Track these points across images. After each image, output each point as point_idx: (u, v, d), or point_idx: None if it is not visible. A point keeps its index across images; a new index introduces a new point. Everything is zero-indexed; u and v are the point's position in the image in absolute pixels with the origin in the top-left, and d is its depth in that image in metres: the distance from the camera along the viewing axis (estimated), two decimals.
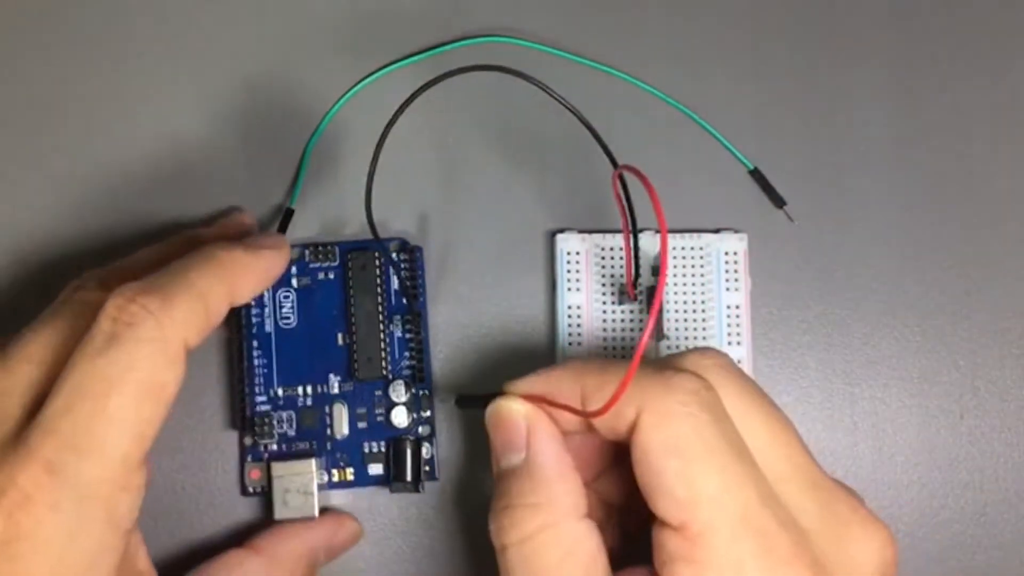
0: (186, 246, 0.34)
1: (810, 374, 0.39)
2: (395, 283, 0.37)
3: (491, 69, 0.32)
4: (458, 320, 0.39)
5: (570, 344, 0.38)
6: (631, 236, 0.35)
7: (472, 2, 0.40)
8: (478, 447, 0.38)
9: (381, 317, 0.37)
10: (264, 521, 0.37)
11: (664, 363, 0.30)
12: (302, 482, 0.36)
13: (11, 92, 0.39)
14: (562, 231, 0.38)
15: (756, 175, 0.40)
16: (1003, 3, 0.41)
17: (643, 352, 0.27)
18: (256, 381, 0.37)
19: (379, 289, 0.37)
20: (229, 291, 0.32)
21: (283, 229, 0.38)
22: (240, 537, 0.37)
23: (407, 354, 0.37)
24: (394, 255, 0.37)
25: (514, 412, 0.31)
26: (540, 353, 0.39)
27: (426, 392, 0.37)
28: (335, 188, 0.39)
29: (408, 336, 0.37)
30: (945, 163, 0.40)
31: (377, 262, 0.37)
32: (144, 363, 0.29)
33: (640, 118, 0.40)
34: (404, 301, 0.37)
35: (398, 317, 0.37)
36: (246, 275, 0.32)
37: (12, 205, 0.38)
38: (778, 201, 0.39)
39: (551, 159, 0.39)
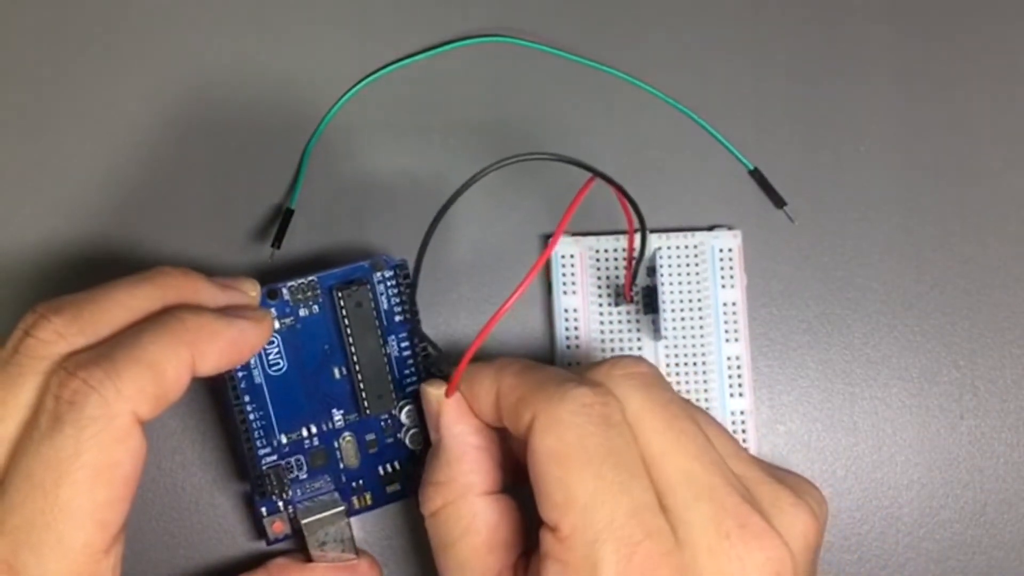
0: (161, 285, 0.31)
1: (810, 374, 0.39)
2: (385, 304, 0.36)
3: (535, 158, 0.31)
4: (455, 329, 0.39)
5: (568, 347, 0.38)
6: (634, 238, 0.35)
7: (472, 2, 0.40)
8: None
9: (384, 351, 0.36)
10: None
11: (574, 372, 0.31)
12: (336, 529, 0.35)
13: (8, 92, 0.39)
14: None
15: (756, 175, 0.40)
16: (1004, 2, 0.41)
17: (478, 349, 0.31)
18: (256, 435, 0.35)
19: (376, 322, 0.35)
20: (189, 359, 0.29)
21: (283, 230, 0.37)
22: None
23: (407, 372, 0.36)
24: (379, 274, 0.36)
25: (431, 395, 0.33)
26: (539, 358, 0.39)
27: None
28: (336, 188, 0.39)
29: (407, 354, 0.36)
30: (946, 163, 0.40)
31: (370, 295, 0.35)
32: (91, 444, 0.27)
33: (640, 118, 0.40)
34: (398, 320, 0.36)
35: (393, 337, 0.36)
36: (212, 343, 0.30)
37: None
38: (778, 201, 0.39)
39: (541, 163, 0.39)
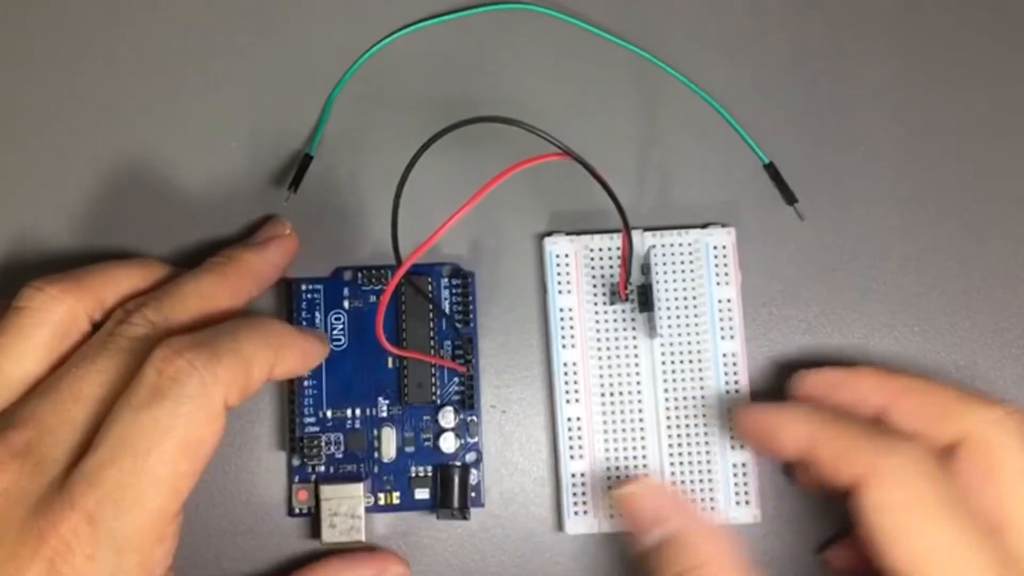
0: (232, 273, 0.35)
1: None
2: (446, 308, 0.38)
3: (494, 121, 0.31)
4: None
5: (563, 347, 0.38)
6: (627, 236, 0.35)
7: None
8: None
9: (432, 342, 0.38)
10: (310, 544, 0.38)
11: (967, 394, 0.34)
12: (350, 506, 0.36)
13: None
14: (550, 234, 0.39)
15: (771, 169, 0.40)
16: (1009, 4, 0.41)
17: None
18: (305, 402, 0.38)
19: (431, 315, 0.38)
20: (273, 362, 0.32)
21: (299, 176, 0.39)
22: (285, 558, 0.38)
23: (456, 380, 0.38)
24: (447, 280, 0.38)
25: (647, 493, 0.35)
26: (534, 356, 0.39)
27: (474, 418, 0.38)
28: (355, 140, 0.40)
29: (458, 363, 0.38)
30: (946, 164, 0.40)
31: (430, 287, 0.38)
32: (185, 420, 0.29)
33: (657, 101, 0.41)
34: (454, 326, 0.38)
35: (448, 343, 0.38)
36: (292, 350, 0.33)
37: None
38: (790, 198, 0.39)
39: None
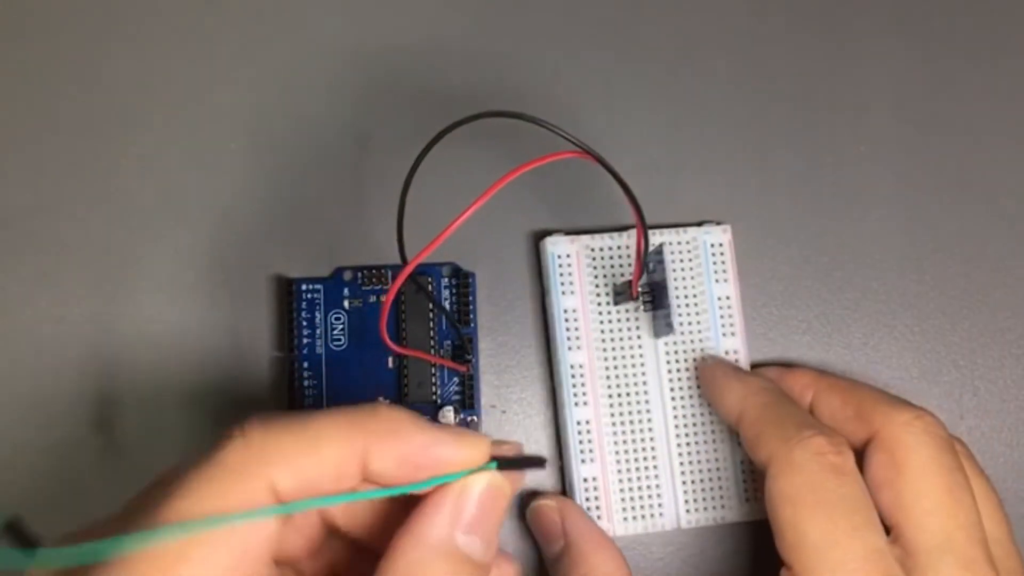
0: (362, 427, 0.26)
1: None
2: (446, 308, 0.38)
3: (502, 115, 0.31)
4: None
5: (569, 349, 0.37)
6: (643, 234, 0.35)
7: None
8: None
9: (432, 342, 0.37)
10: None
11: (883, 396, 0.35)
12: None
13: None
14: (550, 234, 0.38)
15: None
16: (1003, 4, 0.41)
17: None
18: (305, 403, 0.37)
19: (431, 314, 0.38)
20: (361, 450, 0.25)
21: None
22: None
23: (456, 379, 0.38)
24: (446, 279, 0.38)
25: (548, 508, 0.36)
26: (534, 356, 0.39)
27: (474, 418, 0.38)
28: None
29: (458, 362, 0.38)
30: (946, 163, 0.40)
31: (430, 287, 0.38)
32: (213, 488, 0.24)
33: (657, 100, 0.41)
34: (454, 325, 0.38)
35: (448, 343, 0.38)
36: (396, 443, 0.26)
37: None
38: None
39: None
